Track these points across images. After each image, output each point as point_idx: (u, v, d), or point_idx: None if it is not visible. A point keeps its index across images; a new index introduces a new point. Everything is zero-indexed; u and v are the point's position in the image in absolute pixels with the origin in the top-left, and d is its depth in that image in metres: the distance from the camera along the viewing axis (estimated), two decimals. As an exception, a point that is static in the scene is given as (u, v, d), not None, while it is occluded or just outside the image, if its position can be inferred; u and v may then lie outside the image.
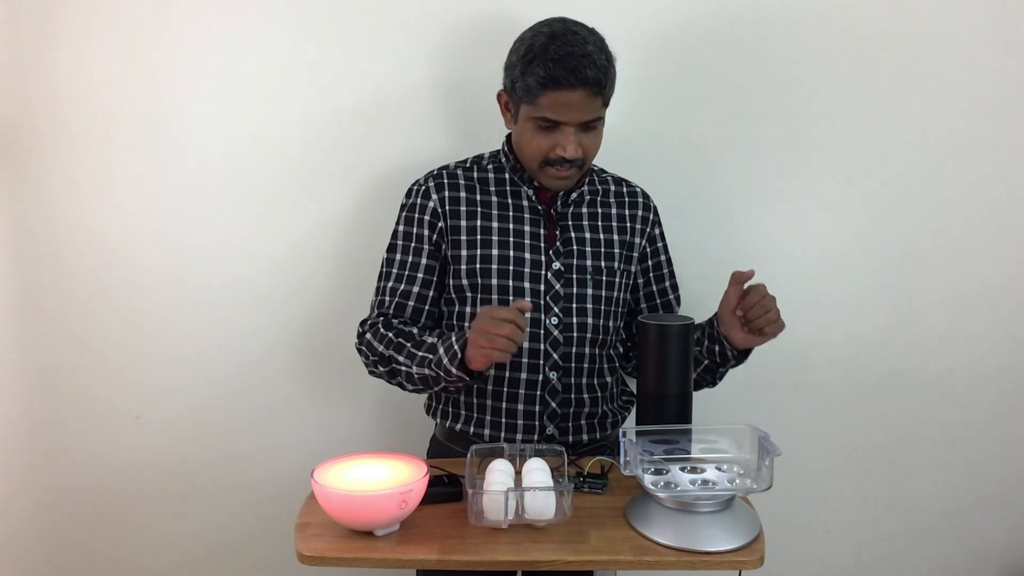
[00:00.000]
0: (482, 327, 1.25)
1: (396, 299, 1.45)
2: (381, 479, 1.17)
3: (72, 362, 1.78)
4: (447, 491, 1.25)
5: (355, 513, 1.13)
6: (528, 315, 1.30)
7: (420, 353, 1.35)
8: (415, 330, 1.40)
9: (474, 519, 1.16)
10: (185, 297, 1.76)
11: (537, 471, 1.21)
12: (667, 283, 1.56)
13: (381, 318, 1.44)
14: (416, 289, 1.45)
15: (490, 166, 1.49)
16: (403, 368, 1.37)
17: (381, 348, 1.40)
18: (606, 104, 1.37)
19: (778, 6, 1.67)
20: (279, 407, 1.81)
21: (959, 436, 1.81)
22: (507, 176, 1.47)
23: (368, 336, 1.42)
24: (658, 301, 1.55)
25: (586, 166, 1.41)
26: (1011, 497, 1.84)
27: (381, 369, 1.41)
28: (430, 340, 1.36)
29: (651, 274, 1.55)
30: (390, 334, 1.40)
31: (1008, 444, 1.81)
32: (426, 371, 1.34)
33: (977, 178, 1.72)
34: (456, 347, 1.30)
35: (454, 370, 1.30)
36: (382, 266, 1.49)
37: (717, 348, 1.42)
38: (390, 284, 1.46)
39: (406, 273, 1.45)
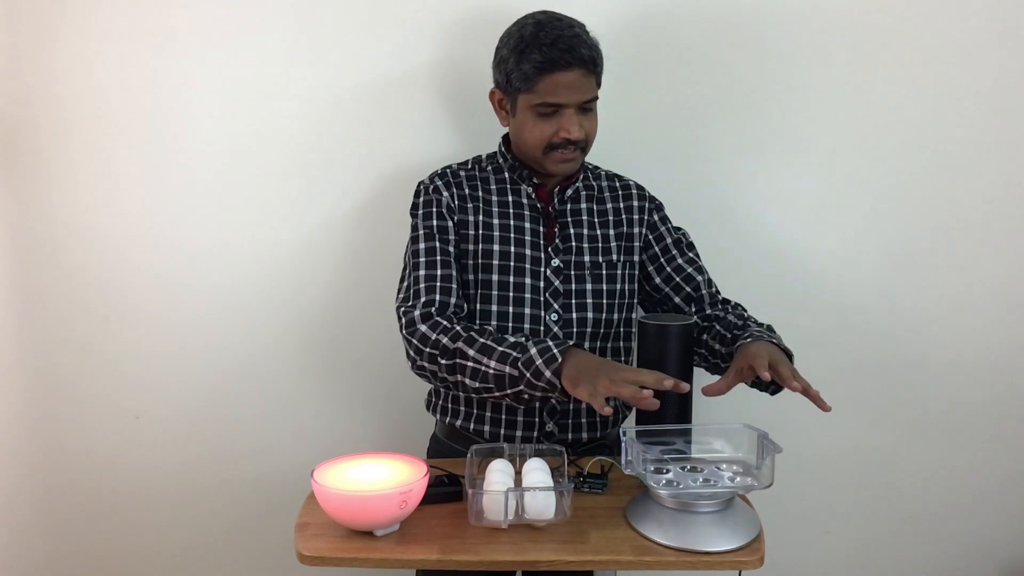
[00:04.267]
0: (623, 372, 1.18)
1: (439, 284, 1.38)
2: (381, 479, 1.17)
3: (72, 362, 1.79)
4: (447, 491, 1.25)
5: (355, 513, 1.13)
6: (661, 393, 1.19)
7: (501, 348, 1.27)
8: (489, 327, 1.35)
9: (474, 519, 1.16)
10: (184, 296, 1.76)
11: (537, 471, 1.21)
12: (681, 259, 1.50)
13: (434, 307, 1.36)
14: (455, 273, 1.41)
15: (489, 166, 1.50)
16: (470, 364, 1.28)
17: (445, 340, 1.31)
18: (599, 84, 1.41)
19: (778, 5, 1.67)
20: (279, 407, 1.81)
21: (959, 435, 1.81)
22: (506, 175, 1.48)
23: (424, 328, 1.32)
24: (678, 279, 1.49)
25: (588, 148, 1.43)
26: (1011, 496, 1.84)
27: (442, 362, 1.31)
28: (512, 339, 1.30)
29: (662, 259, 1.51)
30: (457, 327, 1.32)
31: (1008, 443, 1.81)
32: (507, 368, 1.25)
33: (977, 177, 1.72)
34: (555, 351, 1.24)
35: (547, 373, 1.22)
36: (408, 259, 1.43)
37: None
38: (424, 272, 1.39)
39: (439, 259, 1.41)
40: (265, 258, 1.75)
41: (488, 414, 1.43)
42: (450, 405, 1.47)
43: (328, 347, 1.78)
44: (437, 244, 1.42)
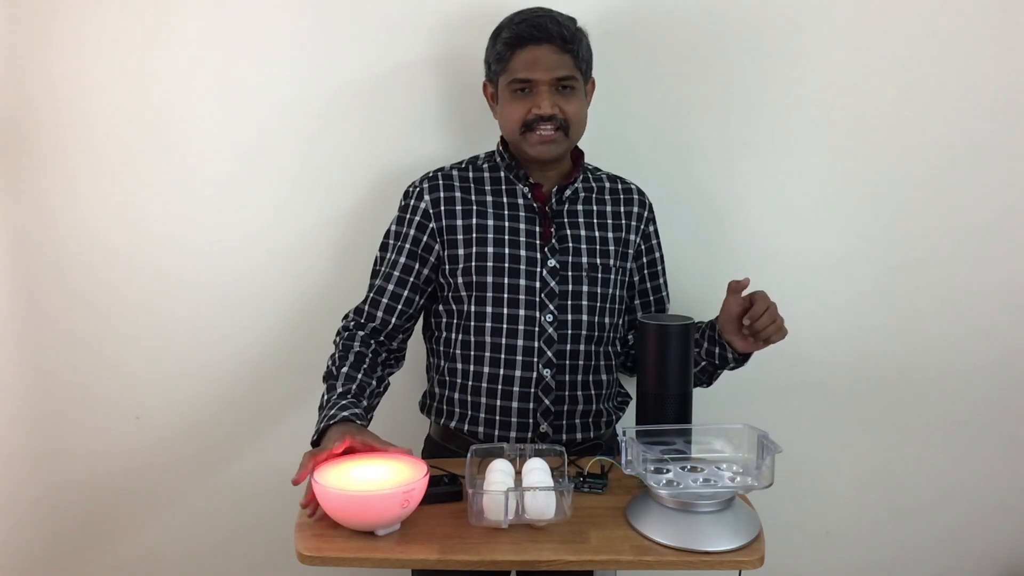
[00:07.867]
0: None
1: (372, 295, 1.47)
2: (381, 479, 1.17)
3: (72, 361, 1.78)
4: (447, 491, 1.25)
5: (356, 513, 1.13)
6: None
7: (326, 395, 1.37)
8: (346, 368, 1.39)
9: (474, 519, 1.16)
10: (185, 296, 1.76)
11: (537, 471, 1.21)
12: (660, 280, 1.58)
13: (353, 323, 1.47)
14: (391, 287, 1.46)
15: (485, 165, 1.50)
16: (325, 385, 1.40)
17: (329, 359, 1.43)
18: (581, 70, 1.41)
19: (776, 5, 1.67)
20: (279, 407, 1.81)
21: (959, 436, 1.81)
22: (502, 175, 1.48)
23: (338, 339, 1.47)
24: (651, 298, 1.57)
25: (571, 133, 1.41)
26: (1011, 497, 1.84)
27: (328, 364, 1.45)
28: (341, 387, 1.36)
29: (646, 271, 1.56)
30: (338, 352, 1.43)
31: (1008, 444, 1.81)
32: (320, 404, 1.37)
33: (977, 179, 1.72)
34: (317, 429, 1.31)
35: (316, 427, 1.32)
36: (374, 263, 1.51)
37: (717, 351, 1.43)
38: (376, 282, 1.48)
39: (385, 271, 1.47)
40: (265, 258, 1.75)
41: (482, 415, 1.44)
42: (445, 407, 1.48)
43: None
44: (391, 255, 1.47)
